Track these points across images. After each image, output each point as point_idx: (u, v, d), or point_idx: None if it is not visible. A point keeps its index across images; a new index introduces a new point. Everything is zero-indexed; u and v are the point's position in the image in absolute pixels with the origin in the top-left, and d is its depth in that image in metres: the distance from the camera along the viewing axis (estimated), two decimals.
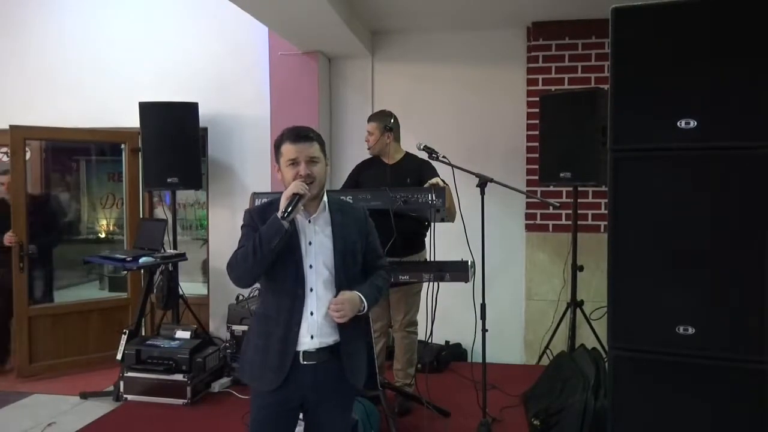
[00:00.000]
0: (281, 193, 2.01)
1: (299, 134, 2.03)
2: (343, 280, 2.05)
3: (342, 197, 3.11)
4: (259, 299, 2.15)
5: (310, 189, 1.97)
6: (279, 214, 1.92)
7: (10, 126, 4.53)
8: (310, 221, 2.05)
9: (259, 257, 1.93)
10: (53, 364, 4.63)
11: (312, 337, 2.01)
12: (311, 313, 2.02)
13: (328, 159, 2.12)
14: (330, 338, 2.04)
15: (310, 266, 2.02)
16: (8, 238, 4.43)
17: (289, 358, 1.99)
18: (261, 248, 1.93)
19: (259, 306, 2.17)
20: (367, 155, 3.71)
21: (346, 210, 2.15)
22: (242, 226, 2.10)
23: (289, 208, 1.90)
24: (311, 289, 2.02)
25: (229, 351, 4.32)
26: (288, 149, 2.02)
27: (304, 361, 2.01)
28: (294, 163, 2.01)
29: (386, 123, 3.55)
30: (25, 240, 4.45)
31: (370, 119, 3.63)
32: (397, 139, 3.61)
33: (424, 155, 3.36)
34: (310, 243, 2.04)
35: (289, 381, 2.00)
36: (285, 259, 2.00)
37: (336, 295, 2.03)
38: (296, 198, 1.92)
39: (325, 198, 2.10)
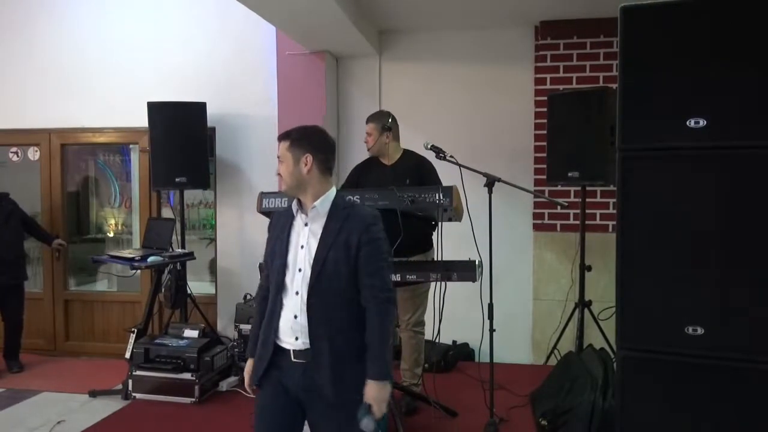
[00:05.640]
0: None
1: (280, 136, 2.10)
2: (317, 289, 1.96)
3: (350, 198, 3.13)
4: None
5: (284, 186, 2.06)
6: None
7: (48, 130, 5.16)
8: (306, 224, 2.04)
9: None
10: (83, 346, 5.18)
11: (297, 338, 1.99)
12: (295, 316, 1.99)
13: (308, 156, 2.00)
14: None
15: (299, 269, 2.00)
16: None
17: (266, 359, 2.03)
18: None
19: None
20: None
21: (347, 216, 2.02)
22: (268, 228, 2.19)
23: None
24: (297, 293, 2.00)
25: (236, 350, 4.33)
26: None
27: (295, 359, 2.00)
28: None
29: (384, 123, 3.54)
30: (63, 236, 5.11)
31: (368, 120, 3.61)
32: (396, 138, 3.59)
33: (430, 154, 3.36)
34: (302, 247, 2.02)
35: (277, 373, 2.03)
36: (275, 264, 2.06)
37: (307, 301, 1.96)
38: None
39: (317, 202, 2.02)
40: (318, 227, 2.02)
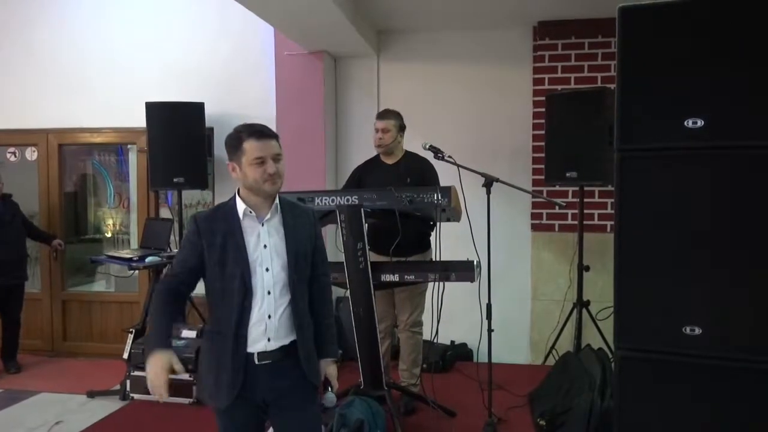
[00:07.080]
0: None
1: (263, 132, 1.97)
2: (296, 281, 2.02)
3: (342, 197, 3.14)
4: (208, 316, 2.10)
5: (276, 185, 1.98)
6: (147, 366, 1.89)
7: (45, 130, 5.16)
8: (263, 224, 2.01)
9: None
10: (81, 346, 5.18)
11: (269, 339, 1.99)
12: (269, 317, 1.98)
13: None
14: (287, 339, 2.02)
15: (267, 269, 1.98)
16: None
17: (240, 373, 1.96)
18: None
19: (209, 324, 2.10)
20: (371, 155, 3.70)
21: (296, 212, 2.11)
22: (186, 233, 2.07)
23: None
24: (269, 292, 1.98)
25: None
26: (253, 147, 1.94)
27: (259, 361, 1.98)
28: (261, 161, 1.94)
29: (401, 122, 3.56)
30: (61, 236, 5.09)
31: (386, 116, 3.53)
32: (402, 137, 3.61)
33: (429, 155, 3.36)
34: (265, 246, 2.00)
35: (246, 387, 1.98)
36: (232, 270, 1.96)
37: (292, 296, 2.01)
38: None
39: (276, 200, 2.05)
40: (277, 225, 2.04)
